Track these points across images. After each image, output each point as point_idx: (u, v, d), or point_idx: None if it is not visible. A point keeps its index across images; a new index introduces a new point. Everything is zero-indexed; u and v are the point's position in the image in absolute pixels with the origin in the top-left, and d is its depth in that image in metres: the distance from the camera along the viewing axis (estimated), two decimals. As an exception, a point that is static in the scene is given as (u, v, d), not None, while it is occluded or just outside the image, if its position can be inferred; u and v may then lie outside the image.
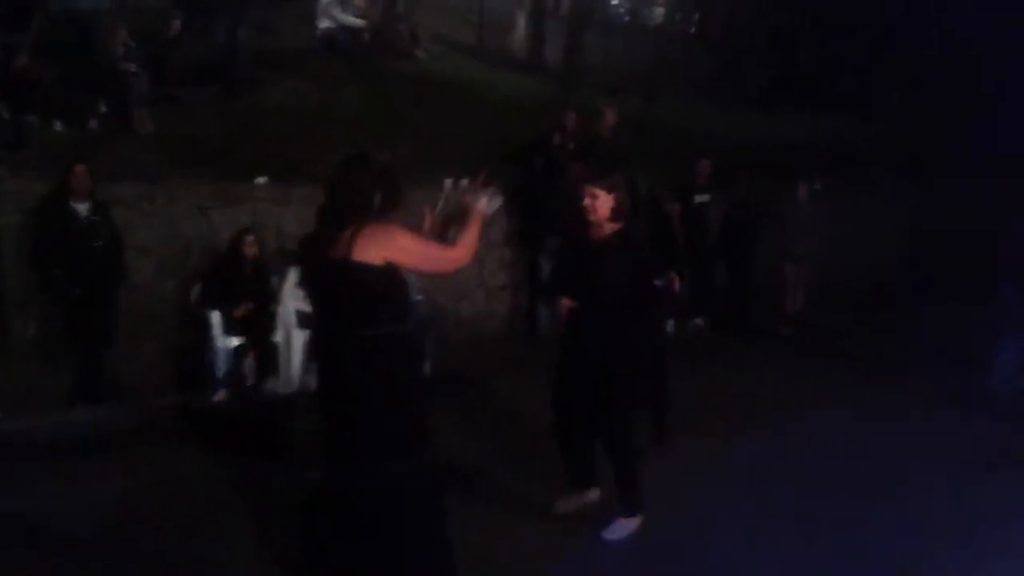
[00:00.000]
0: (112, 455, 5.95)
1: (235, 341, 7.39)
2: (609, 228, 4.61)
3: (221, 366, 7.32)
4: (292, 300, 7.65)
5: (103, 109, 9.08)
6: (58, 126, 8.76)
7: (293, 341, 7.60)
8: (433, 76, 11.60)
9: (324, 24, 11.17)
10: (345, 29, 11.07)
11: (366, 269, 3.19)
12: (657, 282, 4.51)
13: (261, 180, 8.14)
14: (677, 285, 4.60)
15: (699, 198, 10.37)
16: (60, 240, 6.80)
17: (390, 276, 3.25)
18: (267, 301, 7.58)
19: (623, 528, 4.66)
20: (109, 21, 9.22)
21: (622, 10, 19.84)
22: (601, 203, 4.56)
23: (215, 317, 7.34)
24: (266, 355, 7.58)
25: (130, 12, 9.91)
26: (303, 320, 7.64)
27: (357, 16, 11.26)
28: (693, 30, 20.09)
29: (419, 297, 7.75)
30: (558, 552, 4.53)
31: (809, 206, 10.58)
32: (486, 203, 3.58)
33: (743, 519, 4.95)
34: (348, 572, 3.33)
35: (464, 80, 11.83)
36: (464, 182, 3.63)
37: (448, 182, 9.50)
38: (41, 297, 7.00)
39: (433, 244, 3.46)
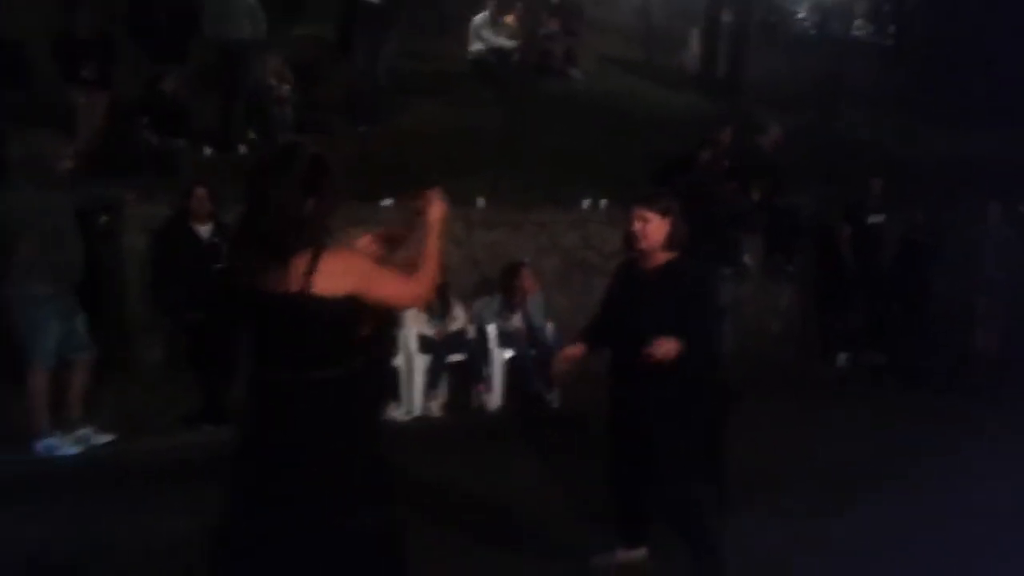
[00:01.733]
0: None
1: (353, 366, 7.21)
2: (662, 257, 4.02)
3: (338, 391, 7.14)
4: (414, 323, 7.44)
5: (251, 136, 9.30)
6: (207, 151, 9.02)
7: (414, 365, 7.36)
8: (584, 95, 11.23)
9: (476, 47, 11.06)
10: (495, 51, 10.89)
11: (325, 302, 2.70)
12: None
13: (387, 202, 7.97)
14: (664, 350, 3.67)
15: (872, 219, 9.40)
16: (180, 263, 6.85)
17: (355, 308, 2.76)
18: (388, 324, 7.37)
19: None
20: (261, 51, 9.39)
21: (807, 23, 18.70)
22: (652, 229, 3.96)
23: (333, 341, 7.19)
24: (386, 380, 7.36)
25: (284, 41, 10.13)
26: (425, 344, 7.40)
27: (509, 37, 11.06)
28: (890, 43, 18.89)
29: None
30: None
31: (1005, 230, 9.36)
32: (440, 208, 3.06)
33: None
34: None
35: (619, 99, 11.35)
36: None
37: (585, 203, 9.09)
38: (164, 320, 7.07)
39: (393, 273, 2.89)
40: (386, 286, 2.83)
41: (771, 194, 9.63)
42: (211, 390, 6.95)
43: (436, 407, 7.41)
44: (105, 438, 6.31)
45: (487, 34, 10.95)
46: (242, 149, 9.14)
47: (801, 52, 15.72)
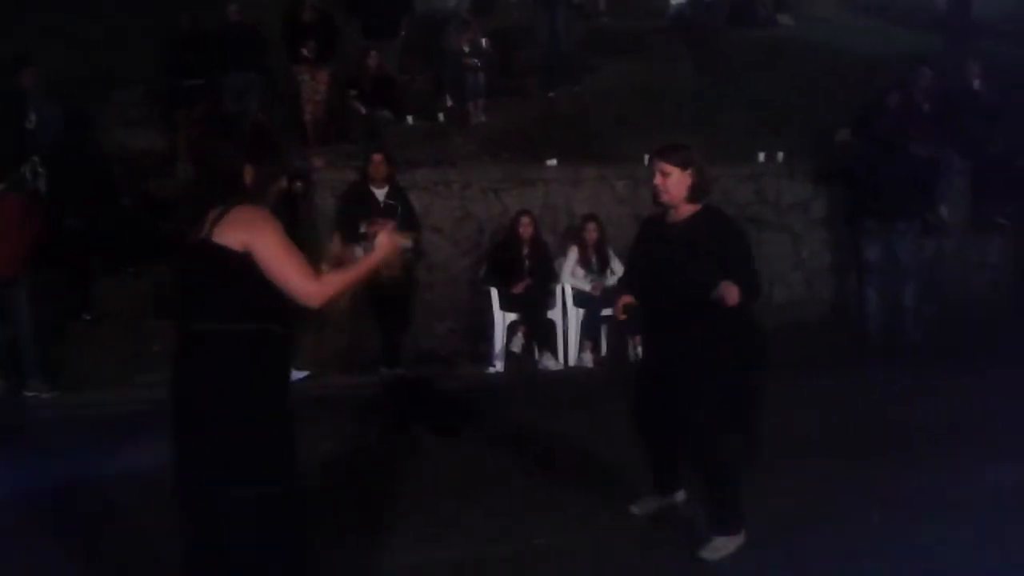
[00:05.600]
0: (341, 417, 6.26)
1: (511, 317, 7.76)
2: (687, 209, 3.98)
3: (497, 340, 7.73)
4: (570, 279, 7.84)
5: (449, 103, 9.99)
6: (410, 120, 9.83)
7: (569, 319, 7.78)
8: (789, 42, 10.88)
9: (676, 0, 11.08)
10: (694, 3, 10.85)
11: (222, 252, 2.71)
12: (713, 295, 3.72)
13: (551, 162, 8.37)
14: (733, 296, 3.69)
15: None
16: (359, 221, 7.67)
17: (251, 264, 2.72)
18: (546, 279, 7.83)
19: (721, 547, 3.97)
20: (458, 21, 10.02)
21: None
22: (673, 182, 3.92)
23: (494, 293, 7.76)
24: (542, 332, 7.84)
25: (485, 10, 10.73)
26: (579, 299, 7.79)
27: (709, -12, 10.95)
28: None
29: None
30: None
31: None
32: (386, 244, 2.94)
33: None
34: None
35: (827, 44, 10.88)
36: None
37: (761, 156, 8.97)
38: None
39: (297, 259, 2.76)
40: (284, 266, 2.73)
41: (981, 140, 8.98)
42: (387, 337, 7.77)
43: (589, 359, 7.80)
44: (301, 374, 7.29)
45: (686, -14, 10.93)
46: (440, 117, 9.87)
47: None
